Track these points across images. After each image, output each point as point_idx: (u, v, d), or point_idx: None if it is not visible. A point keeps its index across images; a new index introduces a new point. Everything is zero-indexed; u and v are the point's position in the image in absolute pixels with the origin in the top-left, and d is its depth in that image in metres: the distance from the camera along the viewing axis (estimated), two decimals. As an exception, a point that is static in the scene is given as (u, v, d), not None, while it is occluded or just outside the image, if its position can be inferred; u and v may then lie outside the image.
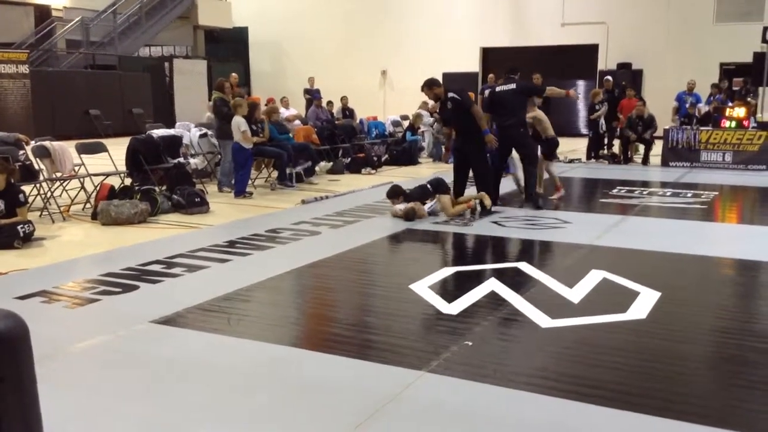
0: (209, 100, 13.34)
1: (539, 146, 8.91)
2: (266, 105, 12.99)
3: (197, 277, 5.27)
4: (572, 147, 15.79)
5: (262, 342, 3.91)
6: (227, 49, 26.75)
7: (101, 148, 9.08)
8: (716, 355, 3.87)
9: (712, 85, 15.70)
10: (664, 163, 13.24)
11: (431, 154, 14.62)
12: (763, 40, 14.79)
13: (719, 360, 3.78)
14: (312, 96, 17.14)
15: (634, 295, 4.73)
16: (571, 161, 13.79)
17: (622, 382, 3.37)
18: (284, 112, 13.66)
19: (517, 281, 5.12)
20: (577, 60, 22.04)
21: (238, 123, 9.15)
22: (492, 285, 4.99)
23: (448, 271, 5.54)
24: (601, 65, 21.84)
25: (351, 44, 24.80)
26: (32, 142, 9.15)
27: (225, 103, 9.76)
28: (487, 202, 7.94)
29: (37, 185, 8.10)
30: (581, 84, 21.75)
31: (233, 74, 12.78)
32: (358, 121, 15.31)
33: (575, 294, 4.78)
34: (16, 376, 1.38)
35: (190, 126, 11.54)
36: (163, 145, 9.38)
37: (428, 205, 7.80)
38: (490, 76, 15.08)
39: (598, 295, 4.77)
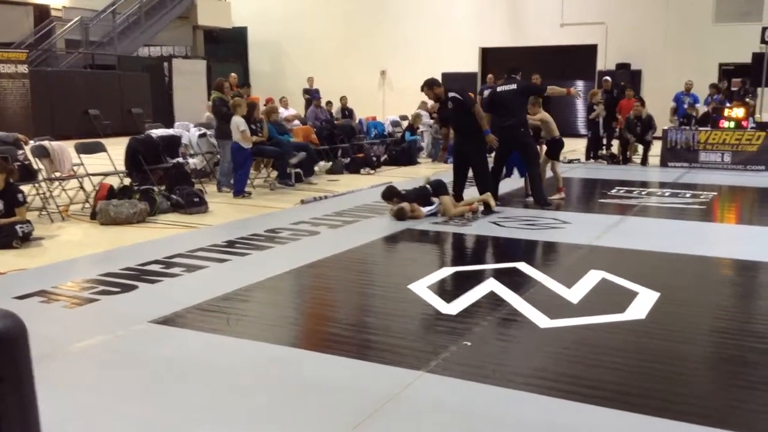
0: (208, 100, 13.34)
1: (545, 147, 8.89)
2: (265, 105, 13.00)
3: (196, 277, 5.27)
4: (571, 147, 15.74)
5: (261, 342, 3.91)
6: (226, 49, 26.74)
7: (100, 148, 9.09)
8: (716, 356, 3.87)
9: (711, 85, 15.66)
10: (663, 163, 13.24)
11: (430, 155, 14.61)
12: (762, 41, 14.76)
13: (719, 360, 3.78)
14: (311, 96, 17.14)
15: (633, 295, 4.73)
16: (570, 161, 13.78)
17: (622, 383, 3.37)
18: (283, 112, 13.67)
19: (516, 281, 5.12)
20: (576, 60, 22.04)
21: (237, 123, 9.14)
22: (491, 285, 4.99)
23: (447, 271, 5.54)
24: (600, 65, 21.84)
25: (350, 44, 24.79)
26: (31, 142, 9.14)
27: (224, 103, 9.76)
28: (492, 203, 7.95)
29: (36, 185, 8.09)
30: (580, 84, 21.72)
31: (232, 74, 12.81)
32: (357, 121, 15.30)
33: (574, 294, 4.77)
34: (14, 376, 1.38)
35: (189, 126, 11.53)
36: (162, 145, 9.38)
37: (431, 208, 7.78)
38: (489, 76, 15.09)
39: (597, 296, 4.77)
